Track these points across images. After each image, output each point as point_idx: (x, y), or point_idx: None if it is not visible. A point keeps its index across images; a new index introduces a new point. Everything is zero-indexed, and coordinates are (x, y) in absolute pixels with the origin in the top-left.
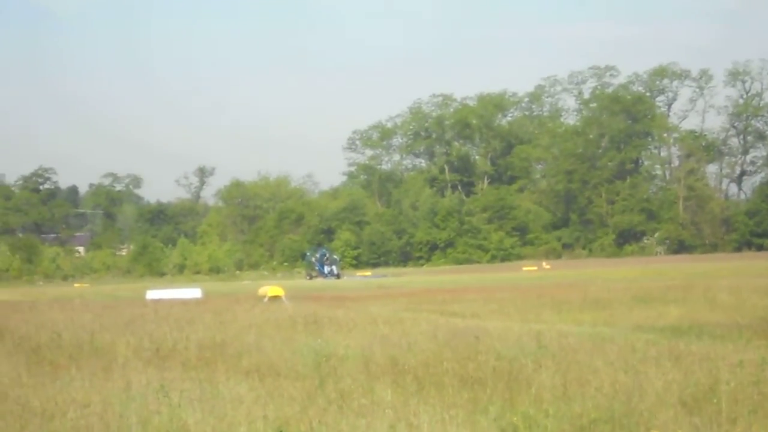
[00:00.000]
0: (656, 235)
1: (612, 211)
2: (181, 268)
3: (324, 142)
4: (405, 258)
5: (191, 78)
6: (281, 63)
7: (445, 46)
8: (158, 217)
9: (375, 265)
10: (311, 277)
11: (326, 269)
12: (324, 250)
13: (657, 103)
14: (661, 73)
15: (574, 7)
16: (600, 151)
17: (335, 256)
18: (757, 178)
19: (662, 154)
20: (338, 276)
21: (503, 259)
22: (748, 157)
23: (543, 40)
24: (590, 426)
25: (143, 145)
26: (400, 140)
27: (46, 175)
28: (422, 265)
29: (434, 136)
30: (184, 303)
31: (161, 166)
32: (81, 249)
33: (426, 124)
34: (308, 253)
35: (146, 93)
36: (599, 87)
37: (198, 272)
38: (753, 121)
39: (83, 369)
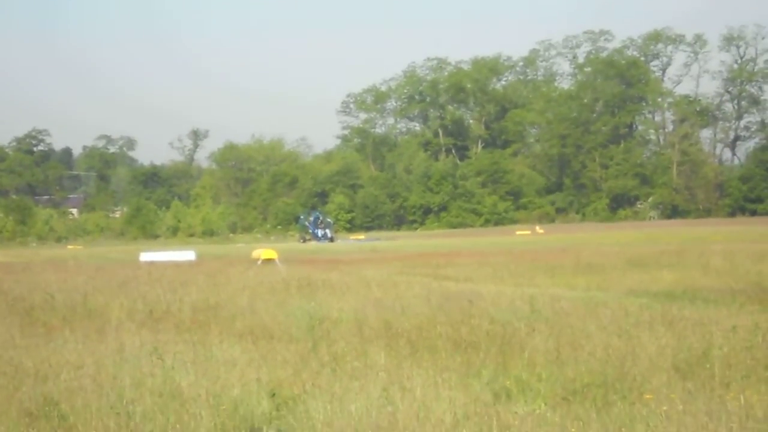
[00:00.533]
0: (650, 199)
1: (606, 176)
2: (174, 231)
3: (318, 106)
4: (399, 222)
5: (187, 40)
6: (276, 26)
7: (440, 10)
8: (152, 179)
9: (368, 229)
10: (305, 240)
11: (320, 232)
12: (317, 214)
13: (651, 68)
14: (655, 37)
15: None
16: (594, 115)
17: (329, 220)
18: (750, 144)
19: (656, 118)
20: (332, 239)
21: (497, 223)
22: (742, 122)
23: (538, 4)
24: (583, 390)
25: (137, 106)
26: (395, 104)
27: (40, 137)
28: (416, 228)
29: (428, 99)
30: (177, 265)
31: (155, 128)
32: (74, 211)
33: (420, 88)
34: (302, 216)
35: (141, 54)
36: (594, 51)
37: (191, 235)
38: (747, 86)
39: (76, 331)
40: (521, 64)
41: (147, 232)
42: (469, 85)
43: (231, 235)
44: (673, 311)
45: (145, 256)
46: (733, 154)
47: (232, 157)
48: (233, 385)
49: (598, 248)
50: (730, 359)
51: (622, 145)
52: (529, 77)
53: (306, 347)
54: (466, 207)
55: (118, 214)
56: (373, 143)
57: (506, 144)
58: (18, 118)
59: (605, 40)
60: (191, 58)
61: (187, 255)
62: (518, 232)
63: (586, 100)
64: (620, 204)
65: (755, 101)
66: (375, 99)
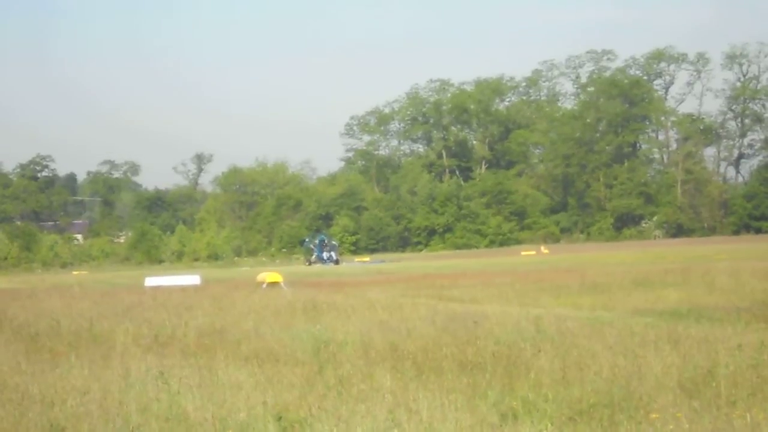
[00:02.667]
0: (654, 218)
1: (610, 195)
2: (179, 255)
3: (321, 128)
4: (403, 243)
5: (190, 65)
6: (279, 49)
7: (442, 32)
8: (156, 204)
9: (373, 251)
10: (310, 263)
11: (325, 255)
12: (323, 236)
13: (654, 87)
14: (658, 56)
15: None
16: (597, 135)
17: (334, 242)
18: (754, 161)
19: (660, 137)
20: (337, 261)
21: (501, 244)
22: (746, 140)
23: (540, 25)
24: (589, 410)
25: (141, 132)
26: (398, 126)
27: (44, 163)
28: (420, 250)
29: (432, 121)
30: (182, 290)
31: (159, 153)
32: (79, 236)
33: (424, 110)
34: (307, 239)
35: (144, 79)
36: (596, 71)
37: (196, 259)
38: (750, 104)
39: (82, 356)
40: (524, 84)
41: (152, 256)
42: (472, 106)
43: (236, 258)
44: (679, 330)
45: (150, 281)
46: (737, 172)
47: (236, 181)
48: (239, 408)
49: (603, 268)
50: (736, 377)
51: (625, 164)
52: (532, 97)
53: (312, 370)
54: (470, 228)
55: (122, 239)
56: (377, 165)
57: (510, 164)
58: (22, 145)
59: (608, 59)
60: (194, 83)
61: (192, 279)
62: (523, 253)
63: (589, 120)
64: (625, 223)
65: (758, 119)
66: (378, 121)
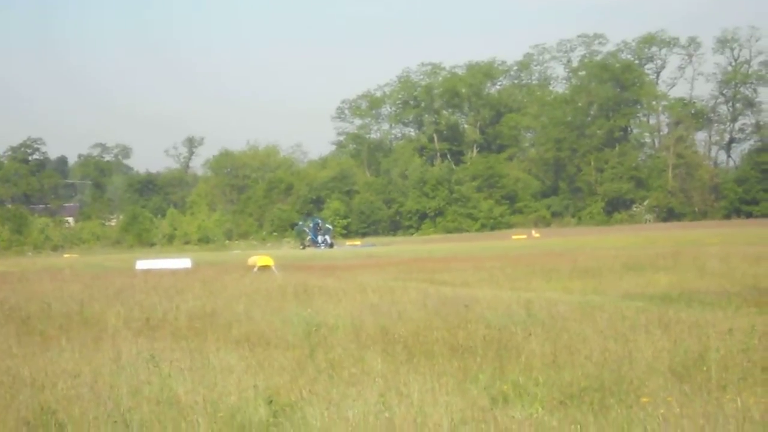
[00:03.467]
0: (645, 202)
1: (601, 179)
2: (170, 239)
3: (313, 112)
4: (394, 227)
5: (181, 48)
6: (270, 33)
7: (434, 15)
8: (147, 187)
9: (364, 235)
10: (304, 247)
11: (319, 238)
12: (317, 220)
13: (646, 71)
14: (649, 40)
15: None
16: (589, 119)
17: (328, 225)
18: (745, 146)
19: (651, 121)
20: (331, 245)
21: (493, 228)
22: (737, 125)
23: (532, 9)
24: (580, 394)
25: (132, 114)
26: (389, 109)
27: (35, 146)
28: (412, 234)
29: (423, 104)
30: (173, 273)
31: (150, 136)
32: (70, 219)
33: (415, 93)
34: (301, 223)
35: (136, 62)
36: (588, 55)
37: (187, 242)
38: (742, 89)
39: (73, 339)
40: (516, 68)
41: (143, 240)
42: (463, 90)
43: (227, 242)
44: (670, 314)
45: (141, 264)
46: (728, 156)
47: (227, 164)
48: (230, 392)
49: (594, 252)
50: (726, 362)
51: (617, 148)
52: (523, 81)
53: (303, 354)
54: (461, 212)
55: (113, 223)
56: (368, 149)
57: (501, 148)
58: (13, 128)
59: (599, 43)
60: (186, 66)
61: (183, 262)
62: (514, 237)
63: (580, 104)
64: (616, 207)
65: (750, 103)
66: (370, 105)
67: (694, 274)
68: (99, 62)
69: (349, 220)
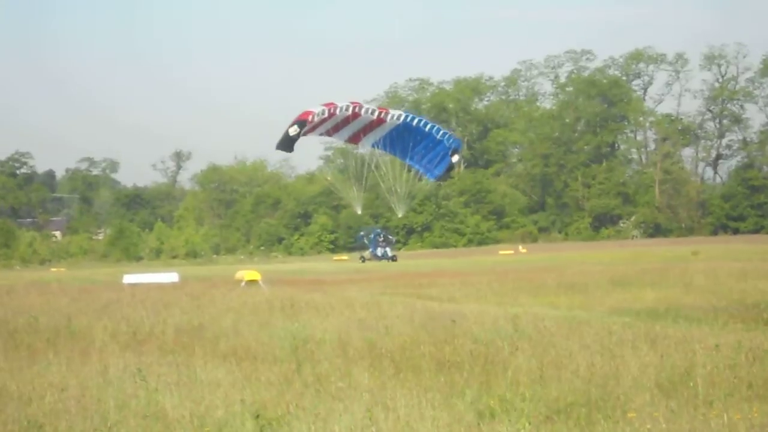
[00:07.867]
0: (632, 218)
1: (588, 195)
2: (157, 253)
3: None
4: None
5: (169, 61)
6: (258, 47)
7: (422, 31)
8: (135, 201)
9: (352, 249)
10: (364, 260)
11: (380, 251)
12: (378, 230)
13: (633, 87)
14: (636, 56)
15: None
16: (576, 134)
17: (390, 237)
18: (732, 162)
19: (638, 137)
20: (393, 258)
21: (480, 243)
22: (724, 141)
23: (519, 24)
24: (567, 409)
25: (120, 129)
26: None
27: (23, 160)
28: (399, 248)
29: None
30: (161, 287)
31: (138, 150)
32: (58, 233)
33: (403, 108)
34: (362, 233)
35: (124, 76)
36: (575, 71)
37: (175, 256)
38: (729, 105)
39: (60, 353)
40: (503, 84)
41: (130, 254)
42: (451, 105)
43: (214, 256)
44: (656, 330)
45: (129, 278)
46: (715, 172)
47: (215, 179)
48: (217, 406)
49: (580, 267)
50: (713, 378)
51: (604, 164)
52: (510, 97)
53: (290, 368)
54: (449, 227)
55: (101, 237)
56: (355, 164)
57: (489, 164)
58: (0, 141)
59: (587, 59)
60: (174, 80)
61: (170, 277)
62: (501, 252)
63: (567, 120)
64: (603, 223)
65: (737, 120)
66: None
67: (680, 290)
68: (86, 76)
69: (337, 234)
